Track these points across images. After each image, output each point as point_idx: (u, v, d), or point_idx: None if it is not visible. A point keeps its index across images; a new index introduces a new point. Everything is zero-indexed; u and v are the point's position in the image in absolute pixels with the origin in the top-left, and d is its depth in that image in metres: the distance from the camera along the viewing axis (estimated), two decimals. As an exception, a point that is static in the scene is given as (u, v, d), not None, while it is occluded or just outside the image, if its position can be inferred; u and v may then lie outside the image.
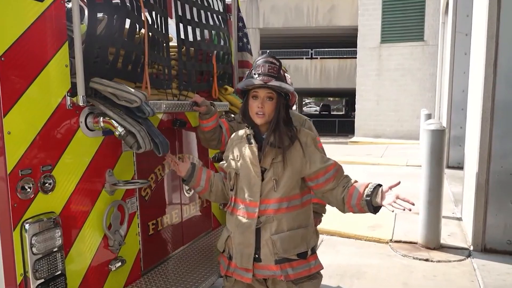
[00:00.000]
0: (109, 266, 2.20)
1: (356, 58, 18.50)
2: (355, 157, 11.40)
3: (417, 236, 4.80)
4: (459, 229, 5.21)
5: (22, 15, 1.71)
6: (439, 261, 4.32)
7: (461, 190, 5.89)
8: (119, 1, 2.21)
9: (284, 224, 1.99)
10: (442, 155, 4.58)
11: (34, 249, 1.74)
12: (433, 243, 4.63)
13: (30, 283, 1.73)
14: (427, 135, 4.61)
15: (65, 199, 1.93)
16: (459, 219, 5.62)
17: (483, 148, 4.41)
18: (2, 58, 1.64)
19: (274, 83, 1.96)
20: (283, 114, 2.01)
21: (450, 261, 4.31)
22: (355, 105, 18.62)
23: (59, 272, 1.84)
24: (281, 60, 2.15)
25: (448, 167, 8.73)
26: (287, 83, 2.06)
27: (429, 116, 10.13)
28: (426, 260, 4.37)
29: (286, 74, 2.27)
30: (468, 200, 4.99)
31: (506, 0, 4.20)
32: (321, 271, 2.14)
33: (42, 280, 1.76)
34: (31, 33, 1.75)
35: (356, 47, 18.21)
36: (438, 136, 4.54)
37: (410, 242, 4.82)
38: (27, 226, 1.72)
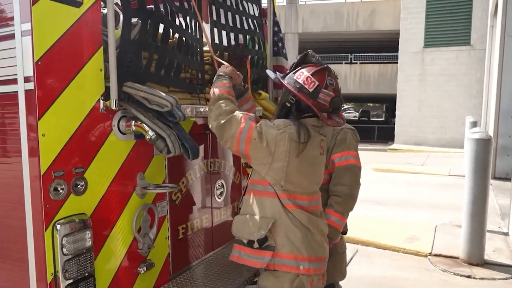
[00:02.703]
0: (138, 269, 2.21)
1: (397, 63, 17.99)
2: (394, 165, 11.04)
3: (458, 251, 4.55)
4: (505, 245, 4.89)
5: (59, 20, 1.76)
6: (482, 279, 4.06)
7: (509, 203, 5.54)
8: (153, 6, 2.23)
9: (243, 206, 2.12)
10: (487, 165, 4.32)
11: (64, 250, 1.77)
12: (476, 258, 4.37)
13: (60, 283, 1.76)
14: (471, 144, 4.37)
15: (96, 201, 1.96)
16: (506, 234, 5.28)
17: (534, 159, 4.12)
18: (39, 63, 1.68)
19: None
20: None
21: (494, 279, 4.04)
22: (396, 111, 18.09)
23: (88, 273, 1.87)
24: None
25: (495, 178, 8.28)
26: None
27: (474, 124, 9.64)
28: (468, 276, 4.12)
29: None
30: (516, 214, 4.68)
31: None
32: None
33: (71, 281, 1.79)
34: (68, 38, 1.79)
35: (397, 52, 17.71)
36: (483, 145, 4.29)
37: (451, 257, 4.57)
38: (58, 226, 1.75)
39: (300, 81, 1.99)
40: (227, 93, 2.12)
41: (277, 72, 2.25)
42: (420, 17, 16.54)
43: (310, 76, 1.98)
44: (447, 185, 8.64)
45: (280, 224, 1.97)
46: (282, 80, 2.07)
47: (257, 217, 2.01)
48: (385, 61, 25.56)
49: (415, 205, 6.92)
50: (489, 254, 4.54)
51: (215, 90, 2.14)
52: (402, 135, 17.49)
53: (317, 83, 1.96)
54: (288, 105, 2.04)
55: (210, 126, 2.09)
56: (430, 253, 4.72)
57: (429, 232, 5.36)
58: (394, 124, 18.79)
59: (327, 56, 27.90)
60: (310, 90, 1.96)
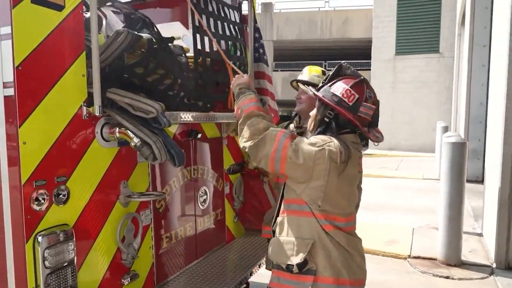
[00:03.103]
0: (122, 280, 2.14)
1: (370, 70, 18.38)
2: (370, 170, 11.20)
3: (436, 252, 4.64)
4: (480, 245, 5.03)
5: (40, 24, 1.70)
6: (460, 279, 4.16)
7: (481, 205, 5.72)
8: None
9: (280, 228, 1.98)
10: (463, 168, 4.44)
11: (46, 263, 1.70)
12: (454, 259, 4.47)
13: (42, 297, 1.68)
14: (447, 148, 4.48)
15: (79, 211, 1.89)
16: (480, 234, 5.44)
17: (506, 162, 4.27)
18: (20, 67, 1.62)
19: None
20: None
21: (472, 279, 4.14)
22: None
23: (71, 286, 1.80)
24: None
25: (467, 181, 8.52)
26: None
27: (446, 129, 9.92)
28: (447, 277, 4.21)
29: None
30: (490, 215, 4.83)
31: (528, 11, 4.10)
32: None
33: (54, 295, 1.72)
34: (49, 43, 1.74)
35: (370, 59, 18.10)
36: (458, 149, 4.41)
37: (430, 258, 4.66)
38: (40, 238, 1.68)
39: (338, 94, 1.85)
40: (258, 109, 1.99)
41: (310, 87, 2.18)
42: (391, 26, 16.96)
43: (350, 88, 1.84)
44: (421, 189, 8.84)
45: (320, 245, 1.83)
46: (317, 94, 1.93)
47: (294, 239, 1.87)
48: (359, 68, 26.02)
49: (392, 208, 7.04)
50: (466, 254, 4.65)
51: (243, 108, 2.01)
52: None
53: (357, 96, 1.83)
54: (327, 120, 1.88)
55: (242, 147, 1.96)
56: (409, 256, 4.80)
57: (407, 235, 5.46)
58: (368, 130, 19.09)
59: (301, 63, 28.18)
60: (350, 104, 1.83)
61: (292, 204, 1.92)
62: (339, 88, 1.86)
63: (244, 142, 1.93)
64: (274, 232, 2.04)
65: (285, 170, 1.83)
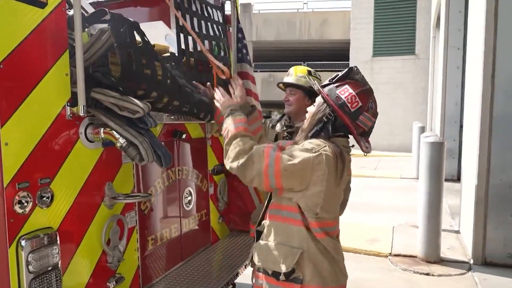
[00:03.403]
0: (107, 283, 2.10)
1: (348, 71, 18.61)
2: (349, 170, 11.38)
3: (416, 250, 4.74)
4: (458, 243, 5.17)
5: (22, 22, 1.65)
6: (440, 275, 4.26)
7: (458, 203, 5.88)
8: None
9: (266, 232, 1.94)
10: (441, 167, 4.56)
11: (30, 267, 1.64)
12: (433, 256, 4.58)
13: (26, 303, 1.63)
14: (425, 147, 4.59)
15: (63, 214, 1.84)
16: (457, 232, 5.59)
17: (482, 162, 4.40)
18: (1, 66, 1.57)
19: None
20: None
21: (451, 275, 4.25)
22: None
23: (56, 291, 1.74)
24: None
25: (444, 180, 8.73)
26: None
27: (422, 129, 10.16)
28: (427, 274, 4.31)
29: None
30: (467, 213, 4.97)
31: (502, 14, 4.24)
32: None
33: (38, 300, 1.67)
34: (31, 41, 1.69)
35: (348, 60, 18.36)
36: (437, 148, 4.53)
37: (410, 256, 4.76)
38: (23, 242, 1.63)
39: (343, 97, 1.81)
40: (244, 130, 1.91)
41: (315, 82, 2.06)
42: (369, 28, 17.26)
43: (355, 95, 1.81)
44: (400, 188, 9.02)
45: (309, 254, 1.80)
46: (322, 91, 1.87)
47: (282, 246, 1.83)
48: (337, 69, 26.34)
49: (372, 207, 7.15)
50: (445, 251, 4.77)
51: (229, 128, 1.92)
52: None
53: (360, 103, 1.80)
54: (326, 120, 1.83)
55: (228, 168, 1.86)
56: (390, 254, 4.89)
57: (387, 233, 5.56)
58: (346, 130, 19.36)
59: (281, 64, 28.34)
60: (352, 110, 1.80)
61: (282, 211, 1.87)
62: (346, 91, 1.82)
63: (230, 162, 1.84)
64: (258, 232, 2.01)
65: (282, 183, 1.76)
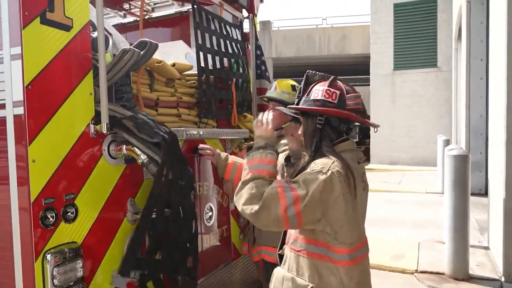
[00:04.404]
0: (130, 298, 2.12)
1: (369, 85, 18.52)
2: (372, 184, 11.13)
3: (443, 266, 4.59)
4: (487, 259, 4.98)
5: (49, 44, 1.74)
6: (468, 293, 4.11)
7: (486, 218, 5.69)
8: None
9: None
10: (466, 180, 4.44)
11: (55, 281, 1.69)
12: (462, 273, 4.41)
13: (50, 317, 1.67)
14: (449, 160, 4.48)
15: (87, 229, 1.89)
16: (487, 248, 5.39)
17: (510, 174, 4.26)
18: (29, 87, 1.65)
19: None
20: None
21: (480, 293, 4.09)
22: (369, 133, 18.49)
23: (80, 305, 1.78)
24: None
25: (470, 193, 8.49)
26: None
27: (447, 142, 9.94)
28: (455, 292, 4.16)
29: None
30: (496, 228, 4.80)
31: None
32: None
33: (62, 314, 1.70)
34: (57, 62, 1.77)
35: (368, 75, 18.26)
36: (461, 161, 4.42)
37: (437, 273, 4.61)
38: (48, 256, 1.68)
39: (320, 97, 1.74)
40: (269, 175, 1.73)
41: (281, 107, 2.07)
42: (389, 42, 17.17)
43: (328, 88, 1.75)
44: (424, 203, 8.80)
45: None
46: (300, 107, 1.81)
47: (295, 278, 1.76)
48: (357, 84, 26.27)
49: (396, 223, 6.99)
50: (473, 268, 4.60)
51: (255, 165, 1.74)
52: (377, 155, 17.81)
53: (338, 92, 1.74)
54: (319, 127, 1.74)
55: (240, 210, 1.71)
56: (416, 270, 4.74)
57: (412, 249, 5.41)
58: (368, 144, 19.14)
59: (301, 80, 28.41)
60: (335, 102, 1.72)
61: (297, 241, 1.78)
62: (317, 92, 1.76)
63: (242, 205, 1.68)
64: (280, 256, 1.93)
65: (303, 220, 1.63)
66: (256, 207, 1.62)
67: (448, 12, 15.65)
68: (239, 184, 1.73)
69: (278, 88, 2.71)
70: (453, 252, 4.44)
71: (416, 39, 16.69)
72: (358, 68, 25.46)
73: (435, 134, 14.16)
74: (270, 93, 2.77)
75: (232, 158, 2.65)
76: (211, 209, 2.98)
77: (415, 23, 16.62)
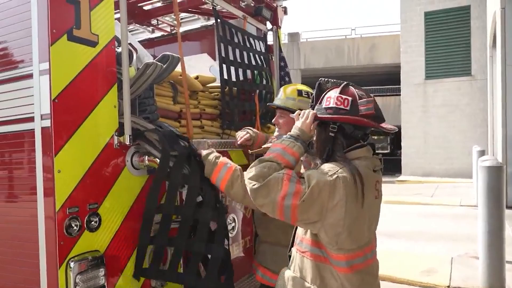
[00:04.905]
0: (151, 307, 2.15)
1: (399, 95, 18.17)
2: (404, 197, 10.88)
3: (478, 283, 4.39)
4: (526, 276, 4.72)
5: (75, 59, 1.82)
6: (506, 312, 3.90)
7: (525, 233, 5.41)
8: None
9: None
10: (501, 193, 4.25)
11: (78, 288, 1.73)
12: (497, 290, 4.21)
13: (73, 323, 1.71)
14: (482, 172, 4.32)
15: (109, 238, 1.93)
16: (525, 264, 5.11)
17: (548, 186, 4.06)
18: (56, 100, 1.72)
19: None
20: None
21: (518, 312, 3.87)
22: (401, 143, 18.07)
23: (102, 312, 1.82)
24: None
25: (507, 207, 8.11)
26: None
27: (482, 153, 9.57)
28: (491, 310, 3.96)
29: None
30: (534, 243, 4.55)
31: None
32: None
33: (85, 321, 1.74)
34: (84, 76, 1.84)
35: (399, 84, 17.93)
36: (495, 173, 4.24)
37: (471, 289, 4.41)
38: (72, 264, 1.73)
39: (332, 105, 1.73)
40: (287, 165, 1.74)
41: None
42: (420, 51, 16.84)
43: (340, 95, 1.74)
44: (458, 216, 8.47)
45: None
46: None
47: (298, 280, 1.78)
48: (388, 94, 25.83)
49: (428, 237, 6.75)
50: (510, 285, 4.37)
51: (280, 152, 1.76)
52: (409, 167, 17.36)
53: (350, 98, 1.72)
54: (332, 135, 1.73)
55: (245, 182, 1.76)
56: (449, 286, 4.55)
57: (445, 264, 5.20)
58: (400, 155, 18.71)
59: (329, 91, 28.23)
60: (348, 108, 1.71)
61: (303, 242, 1.79)
62: (329, 99, 1.76)
63: (248, 178, 1.71)
64: (289, 257, 1.94)
65: (298, 216, 1.63)
66: (259, 184, 1.66)
67: (482, 19, 15.22)
68: (260, 159, 1.77)
69: (283, 95, 2.59)
70: (488, 268, 4.24)
71: (449, 47, 16.28)
72: (388, 78, 25.05)
73: (470, 145, 13.69)
74: (275, 100, 2.65)
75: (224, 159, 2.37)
76: (234, 220, 2.98)
77: (447, 31, 16.24)
